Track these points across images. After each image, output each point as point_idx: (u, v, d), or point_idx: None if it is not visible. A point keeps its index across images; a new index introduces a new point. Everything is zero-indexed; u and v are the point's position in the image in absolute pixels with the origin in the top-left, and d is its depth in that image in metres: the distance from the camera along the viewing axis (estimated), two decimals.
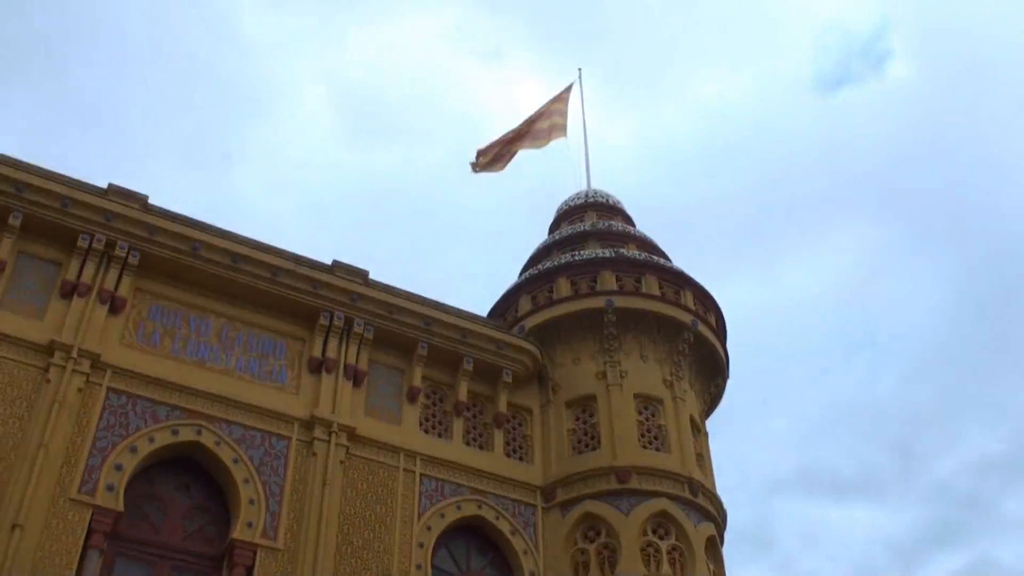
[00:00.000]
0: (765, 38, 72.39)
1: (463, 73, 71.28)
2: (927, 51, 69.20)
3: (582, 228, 25.41)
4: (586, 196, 27.43)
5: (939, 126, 63.21)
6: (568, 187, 28.45)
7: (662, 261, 23.64)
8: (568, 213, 27.21)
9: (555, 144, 28.63)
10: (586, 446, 20.75)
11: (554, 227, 27.26)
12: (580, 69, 30.42)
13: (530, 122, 28.41)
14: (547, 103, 28.98)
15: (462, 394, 20.79)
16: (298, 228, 61.90)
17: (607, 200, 27.32)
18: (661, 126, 70.58)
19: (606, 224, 25.58)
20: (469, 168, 27.66)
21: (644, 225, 27.00)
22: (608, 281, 22.45)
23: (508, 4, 74.69)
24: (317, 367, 19.47)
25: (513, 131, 28.33)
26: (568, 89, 29.93)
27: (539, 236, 27.21)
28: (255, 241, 20.02)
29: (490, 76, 73.03)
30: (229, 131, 68.06)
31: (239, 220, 58.97)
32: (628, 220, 26.95)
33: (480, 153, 27.92)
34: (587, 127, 28.29)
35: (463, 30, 72.43)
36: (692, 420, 21.60)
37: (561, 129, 28.35)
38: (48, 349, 17.07)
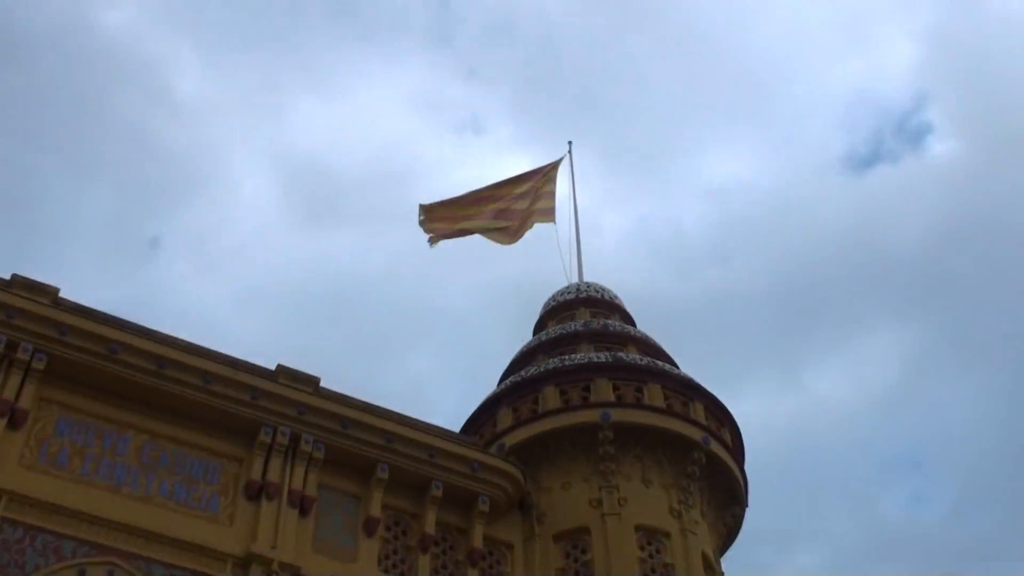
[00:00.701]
0: (786, 111, 72.20)
1: (433, 147, 71.10)
2: (971, 126, 68.78)
3: (573, 328, 25.07)
4: (577, 290, 27.13)
5: (986, 209, 61.95)
6: (556, 280, 28.16)
7: (668, 367, 23.35)
8: (556, 310, 26.89)
9: (541, 230, 28.49)
10: None
11: (540, 326, 26.96)
12: (570, 143, 30.57)
13: (500, 192, 28.17)
14: (529, 175, 28.86)
15: (429, 525, 20.13)
16: (236, 326, 59.69)
17: (602, 295, 27.03)
18: (666, 209, 69.99)
19: (601, 323, 25.28)
20: (427, 242, 27.46)
21: (646, 325, 26.71)
22: (604, 391, 22.04)
23: (485, 69, 75.10)
24: (256, 493, 18.83)
25: (481, 196, 28.10)
26: (555, 165, 29.83)
27: (522, 337, 26.97)
28: (184, 342, 19.59)
29: (465, 150, 72.53)
30: (157, 211, 65.73)
31: (166, 317, 56.07)
32: (628, 318, 26.63)
33: (429, 211, 27.34)
34: (579, 209, 28.24)
35: (433, 98, 72.27)
36: (704, 557, 21.00)
37: (546, 213, 28.15)
38: None
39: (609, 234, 60.76)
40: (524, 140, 70.27)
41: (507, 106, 74.65)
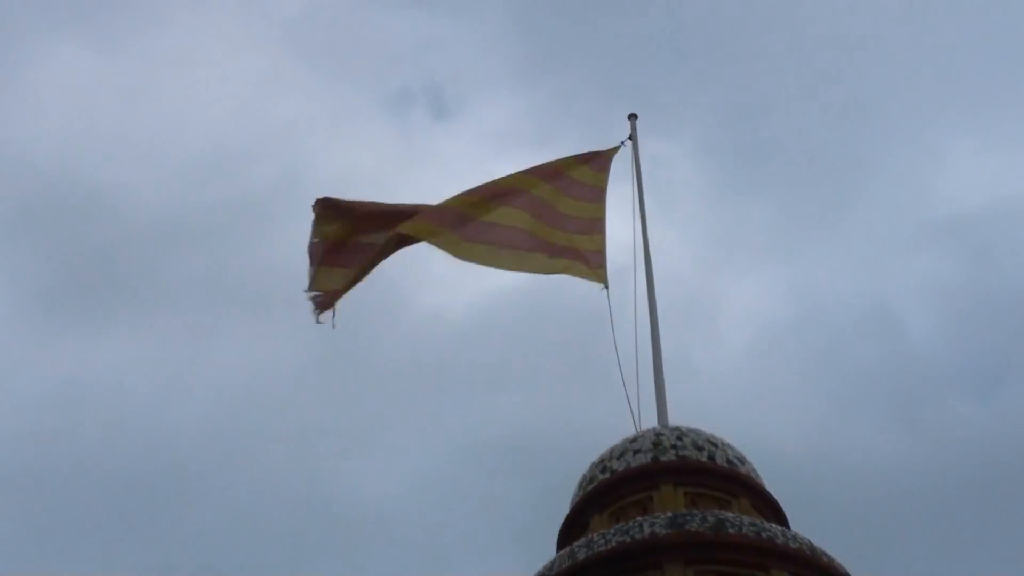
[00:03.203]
0: None
1: (340, 151, 63.86)
2: None
3: (647, 530, 18.95)
4: (655, 445, 21.35)
5: None
6: (609, 422, 22.55)
7: None
8: (612, 490, 21.13)
9: (574, 302, 24.65)
10: None
11: (573, 528, 21.16)
12: (635, 117, 27.17)
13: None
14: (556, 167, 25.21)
15: None
16: None
17: (712, 455, 21.22)
18: (857, 272, 60.24)
19: (712, 519, 19.12)
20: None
21: (813, 522, 20.14)
22: None
23: None
24: None
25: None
26: (605, 159, 26.27)
27: (535, 555, 20.65)
28: None
29: (410, 152, 64.55)
30: None
31: None
32: (769, 507, 20.64)
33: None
34: (652, 259, 23.89)
35: (323, 43, 65.29)
36: None
37: (587, 262, 23.57)
38: None
39: (726, 323, 53.06)
40: (537, 126, 62.08)
41: (500, 53, 65.91)
